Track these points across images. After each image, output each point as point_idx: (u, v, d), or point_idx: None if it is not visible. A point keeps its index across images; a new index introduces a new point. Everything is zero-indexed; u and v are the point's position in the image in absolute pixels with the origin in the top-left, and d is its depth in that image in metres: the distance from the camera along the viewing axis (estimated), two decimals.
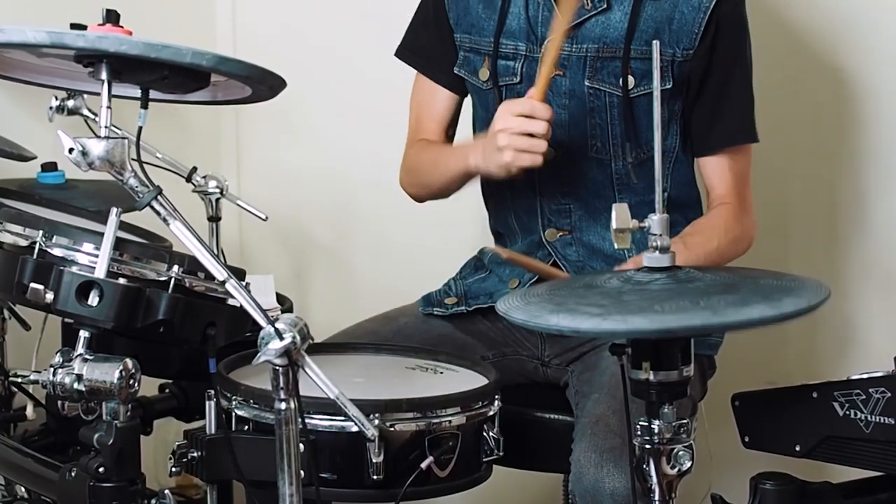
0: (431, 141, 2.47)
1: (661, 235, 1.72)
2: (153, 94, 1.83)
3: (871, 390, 1.94)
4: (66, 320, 2.15)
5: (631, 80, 2.26)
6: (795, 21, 2.80)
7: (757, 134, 2.35)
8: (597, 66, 2.28)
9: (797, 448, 2.03)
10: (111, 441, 1.83)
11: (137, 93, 1.83)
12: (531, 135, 2.15)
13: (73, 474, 1.88)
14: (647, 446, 1.74)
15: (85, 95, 2.60)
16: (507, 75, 2.34)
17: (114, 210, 1.90)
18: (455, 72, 2.41)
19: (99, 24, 1.78)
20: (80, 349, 1.85)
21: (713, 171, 2.34)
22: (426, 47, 2.45)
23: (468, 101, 2.48)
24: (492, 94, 2.35)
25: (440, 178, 2.40)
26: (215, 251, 2.67)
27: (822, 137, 2.85)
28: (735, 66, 2.30)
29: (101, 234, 1.90)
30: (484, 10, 2.36)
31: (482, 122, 2.38)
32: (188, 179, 2.73)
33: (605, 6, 2.27)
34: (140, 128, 1.81)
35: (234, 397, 2.00)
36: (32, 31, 1.68)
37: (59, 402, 2.09)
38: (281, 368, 1.68)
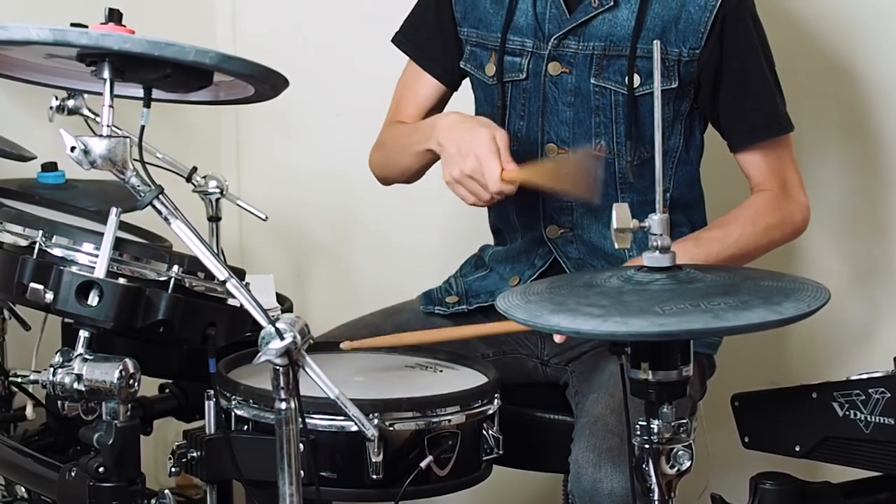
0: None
1: (661, 235, 1.72)
2: (155, 94, 1.83)
3: (870, 391, 1.94)
4: (66, 320, 2.15)
5: (637, 78, 2.26)
6: (800, 21, 2.80)
7: (787, 123, 2.32)
8: (603, 64, 2.28)
9: (797, 448, 2.03)
10: (111, 441, 1.83)
11: (138, 93, 1.82)
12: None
13: (73, 474, 1.88)
14: (647, 446, 1.74)
15: (85, 95, 2.60)
16: (512, 71, 2.34)
17: (114, 210, 1.90)
18: (461, 66, 2.41)
19: (101, 24, 1.77)
20: (80, 349, 1.85)
21: (747, 163, 2.33)
22: (423, 37, 2.45)
23: (457, 97, 2.49)
24: (497, 89, 2.35)
25: (403, 153, 2.38)
26: (215, 251, 2.67)
27: (825, 137, 2.84)
28: (749, 59, 2.28)
29: (101, 234, 1.90)
30: (492, 5, 2.36)
31: (485, 117, 2.38)
32: (188, 179, 2.73)
33: (612, 4, 2.26)
34: (142, 127, 1.81)
35: (233, 397, 2.00)
36: (36, 29, 1.68)
37: (59, 402, 2.08)
38: (281, 368, 1.68)
